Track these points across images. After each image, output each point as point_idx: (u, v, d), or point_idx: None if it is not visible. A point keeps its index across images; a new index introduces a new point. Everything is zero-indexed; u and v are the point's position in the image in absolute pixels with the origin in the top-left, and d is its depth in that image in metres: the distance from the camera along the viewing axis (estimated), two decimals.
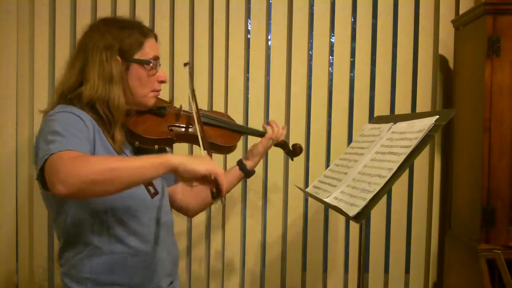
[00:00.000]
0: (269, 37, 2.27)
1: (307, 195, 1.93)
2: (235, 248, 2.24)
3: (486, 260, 1.66)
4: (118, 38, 1.36)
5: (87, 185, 1.09)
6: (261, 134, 1.72)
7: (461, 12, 2.09)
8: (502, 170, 1.70)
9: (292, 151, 1.82)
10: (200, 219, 2.23)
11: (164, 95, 2.18)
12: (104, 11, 2.21)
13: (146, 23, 2.18)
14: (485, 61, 1.70)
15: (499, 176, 1.70)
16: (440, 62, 2.18)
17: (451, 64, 2.17)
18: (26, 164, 2.24)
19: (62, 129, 1.20)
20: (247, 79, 2.24)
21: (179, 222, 2.21)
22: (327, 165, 2.20)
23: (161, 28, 2.22)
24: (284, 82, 2.22)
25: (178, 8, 2.23)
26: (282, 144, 1.79)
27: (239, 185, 2.20)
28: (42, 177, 1.17)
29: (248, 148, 1.74)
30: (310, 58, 2.23)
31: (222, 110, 2.22)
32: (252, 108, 2.23)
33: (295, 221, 2.23)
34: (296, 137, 2.20)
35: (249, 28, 2.26)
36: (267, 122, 2.20)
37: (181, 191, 1.63)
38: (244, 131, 1.74)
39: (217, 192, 1.24)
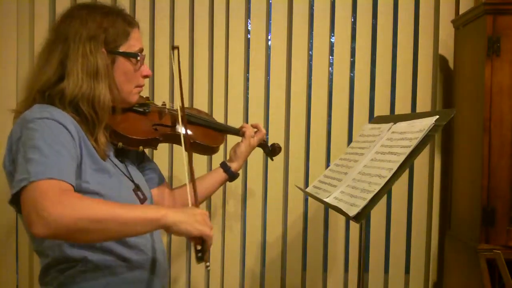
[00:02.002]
0: (269, 37, 2.27)
1: (307, 195, 1.92)
2: (235, 248, 2.24)
3: (486, 260, 1.66)
4: (102, 27, 1.22)
5: (71, 232, 0.99)
6: (241, 134, 1.67)
7: (461, 12, 2.09)
8: (502, 170, 1.70)
9: (271, 151, 1.77)
10: None
11: (164, 95, 2.19)
12: None
13: (146, 23, 2.20)
14: (485, 61, 1.70)
15: (499, 176, 1.70)
16: (440, 62, 2.18)
17: (451, 64, 2.17)
18: None
19: (45, 145, 1.06)
20: (247, 79, 2.24)
21: None
22: (327, 165, 2.20)
23: (161, 28, 2.22)
24: (284, 82, 2.22)
25: (178, 8, 2.23)
26: (261, 144, 1.73)
27: (239, 184, 2.21)
28: (17, 200, 1.03)
29: (230, 150, 1.68)
30: (310, 58, 2.23)
31: (222, 110, 2.22)
32: (252, 108, 2.23)
33: (295, 221, 2.23)
34: (296, 137, 2.20)
35: (249, 28, 2.26)
36: (267, 122, 2.22)
37: (164, 194, 1.54)
38: (228, 130, 1.68)
39: (202, 254, 1.14)
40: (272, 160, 1.82)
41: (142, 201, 1.30)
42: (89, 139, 1.20)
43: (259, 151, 1.80)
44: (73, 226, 0.97)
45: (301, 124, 2.21)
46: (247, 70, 2.24)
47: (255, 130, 1.67)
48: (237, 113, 2.21)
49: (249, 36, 2.25)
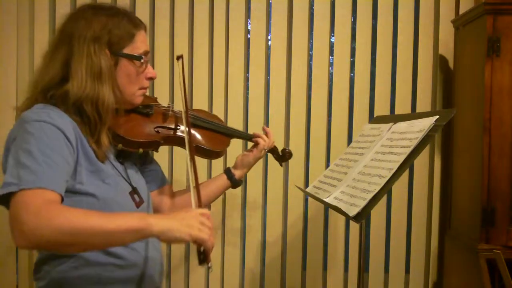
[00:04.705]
0: (269, 37, 2.27)
1: (307, 195, 1.93)
2: (235, 248, 2.24)
3: (486, 260, 1.66)
4: (106, 28, 1.21)
5: (52, 245, 0.98)
6: (252, 138, 1.64)
7: (461, 12, 2.09)
8: (502, 170, 1.70)
9: (281, 156, 1.74)
10: None
11: (164, 96, 2.19)
12: None
13: (146, 23, 2.19)
14: (485, 61, 1.70)
15: (499, 176, 1.70)
16: (440, 62, 2.18)
17: (451, 64, 2.17)
18: None
19: (38, 152, 1.05)
20: (247, 79, 2.24)
21: None
22: (327, 165, 2.20)
23: (161, 28, 2.22)
24: (284, 82, 2.22)
25: (178, 8, 2.23)
26: (271, 149, 1.70)
27: None
28: (6, 200, 1.01)
29: (237, 156, 1.64)
30: (310, 58, 2.23)
31: (222, 110, 2.22)
32: (252, 108, 2.23)
33: (295, 221, 2.23)
34: (296, 137, 2.20)
35: (249, 28, 2.26)
36: (267, 122, 2.22)
37: (164, 197, 1.52)
38: (235, 134, 1.63)
39: (204, 256, 1.09)
40: (281, 165, 1.80)
41: (139, 204, 1.28)
42: (89, 140, 1.19)
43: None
44: (52, 239, 0.96)
45: (301, 124, 2.21)
46: (247, 70, 2.24)
47: (266, 139, 1.63)
48: (237, 113, 2.22)
49: (249, 36, 2.25)
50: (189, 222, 1.07)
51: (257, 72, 2.22)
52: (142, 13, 2.21)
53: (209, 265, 1.10)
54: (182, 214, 1.10)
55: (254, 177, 2.22)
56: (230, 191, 2.20)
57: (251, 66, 2.23)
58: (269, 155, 1.77)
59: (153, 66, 2.20)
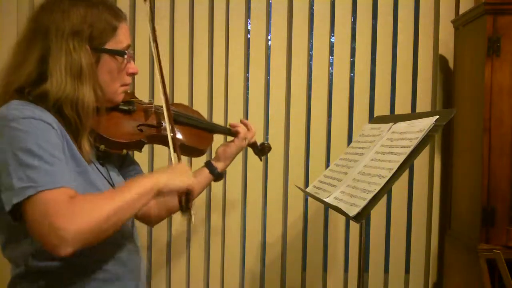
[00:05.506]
0: (269, 37, 2.27)
1: (307, 195, 1.93)
2: (235, 248, 2.24)
3: (486, 260, 1.66)
4: (87, 21, 1.10)
5: (93, 238, 0.95)
6: (234, 134, 1.57)
7: (461, 12, 2.10)
8: (502, 170, 1.70)
9: (261, 150, 1.68)
10: (199, 218, 2.23)
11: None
12: None
13: (146, 23, 2.20)
14: (485, 61, 1.70)
15: (499, 176, 1.70)
16: (440, 62, 2.18)
17: (451, 64, 2.17)
18: None
19: (41, 150, 0.97)
20: (247, 79, 2.24)
21: (178, 220, 2.21)
22: (327, 165, 2.20)
23: (161, 28, 2.22)
24: (284, 82, 2.22)
25: (178, 8, 2.23)
26: (252, 144, 1.64)
27: (239, 185, 2.21)
28: (15, 210, 0.94)
29: (218, 148, 1.57)
30: (310, 58, 2.23)
31: (222, 110, 2.22)
32: (252, 108, 2.23)
33: (295, 221, 2.23)
34: (296, 137, 2.20)
35: (249, 28, 2.26)
36: (267, 122, 2.22)
37: (153, 200, 1.38)
38: (217, 129, 1.57)
39: (186, 205, 1.16)
40: (261, 160, 1.75)
41: None
42: (73, 141, 1.10)
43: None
44: (96, 231, 0.95)
45: (301, 124, 2.21)
46: (247, 70, 2.24)
47: (245, 128, 1.58)
48: (237, 113, 2.21)
49: (249, 36, 2.25)
50: (180, 171, 1.16)
51: (257, 72, 2.22)
52: (142, 13, 2.21)
53: (194, 212, 1.18)
54: (171, 167, 1.19)
55: (253, 177, 2.22)
56: (230, 191, 2.22)
57: (251, 66, 2.23)
58: (250, 151, 1.72)
59: (152, 66, 2.22)
